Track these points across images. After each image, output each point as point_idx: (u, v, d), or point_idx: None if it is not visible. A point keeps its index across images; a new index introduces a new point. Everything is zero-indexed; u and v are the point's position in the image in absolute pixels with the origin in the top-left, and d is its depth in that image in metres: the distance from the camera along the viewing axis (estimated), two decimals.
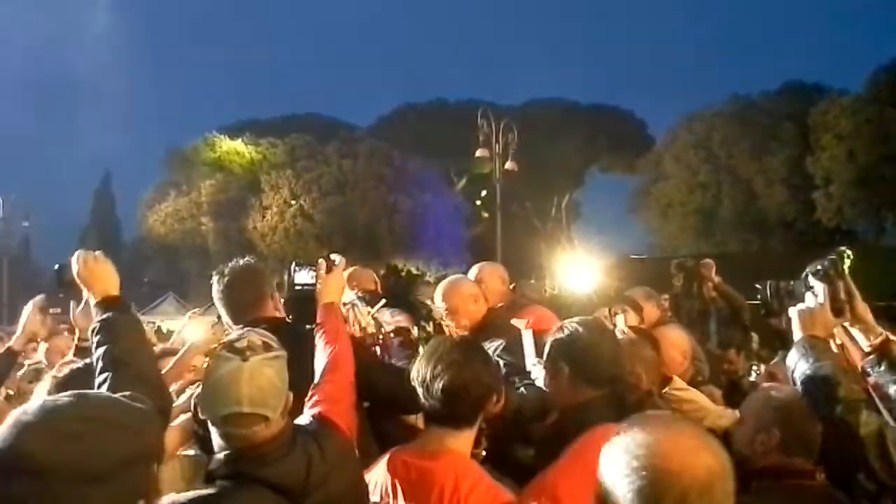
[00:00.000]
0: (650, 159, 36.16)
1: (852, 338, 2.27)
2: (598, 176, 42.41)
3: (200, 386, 2.11)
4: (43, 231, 39.02)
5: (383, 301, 3.15)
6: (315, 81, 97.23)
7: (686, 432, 1.48)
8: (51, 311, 4.85)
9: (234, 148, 34.64)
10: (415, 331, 3.10)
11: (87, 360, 2.89)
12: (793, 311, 2.21)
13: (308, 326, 2.73)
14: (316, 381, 2.41)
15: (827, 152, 28.33)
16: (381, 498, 2.26)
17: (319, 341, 2.55)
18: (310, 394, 2.33)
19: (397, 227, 32.94)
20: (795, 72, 77.21)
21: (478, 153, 16.24)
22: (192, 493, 1.99)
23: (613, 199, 41.06)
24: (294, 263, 3.04)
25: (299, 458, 2.03)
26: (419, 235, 32.95)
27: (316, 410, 2.26)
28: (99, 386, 2.07)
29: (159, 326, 16.46)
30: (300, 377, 2.22)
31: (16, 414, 1.28)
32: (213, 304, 3.05)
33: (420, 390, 2.31)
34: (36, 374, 4.22)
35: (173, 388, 3.12)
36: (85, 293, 2.48)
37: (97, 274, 2.39)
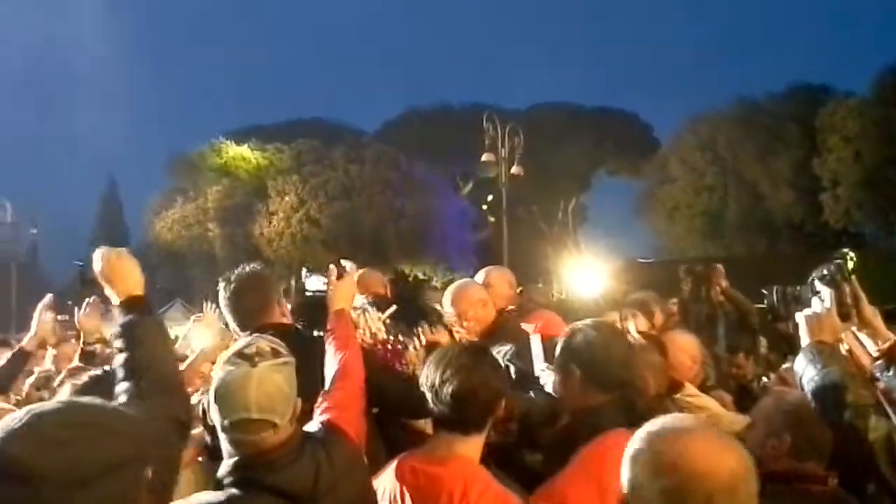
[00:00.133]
0: (656, 162, 36.12)
1: (860, 342, 2.25)
2: (605, 179, 42.37)
3: (209, 392, 2.11)
4: (49, 237, 39.20)
5: (394, 307, 3.14)
6: (321, 86, 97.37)
7: (710, 434, 1.49)
8: (59, 317, 4.87)
9: (241, 153, 34.73)
10: (423, 340, 3.07)
11: (107, 368, 2.91)
12: (800, 317, 2.20)
13: (317, 332, 2.73)
14: (326, 387, 2.41)
15: (834, 154, 28.27)
16: None
17: (329, 347, 2.55)
18: (319, 400, 2.33)
19: (404, 232, 32.97)
20: (801, 73, 77.30)
21: (483, 157, 16.23)
22: (200, 499, 1.99)
23: (620, 202, 41.05)
24: (305, 269, 3.04)
25: (307, 465, 2.03)
26: (426, 240, 32.97)
27: (325, 417, 2.26)
28: (119, 394, 2.03)
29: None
30: (309, 383, 2.22)
31: (5, 420, 1.30)
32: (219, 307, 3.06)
33: (429, 395, 2.30)
34: (45, 382, 4.23)
35: None
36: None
37: (120, 272, 2.27)
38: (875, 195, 27.61)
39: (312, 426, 2.23)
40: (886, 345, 2.15)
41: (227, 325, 3.17)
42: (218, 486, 2.04)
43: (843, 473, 2.08)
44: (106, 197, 48.03)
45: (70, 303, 4.37)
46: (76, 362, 4.10)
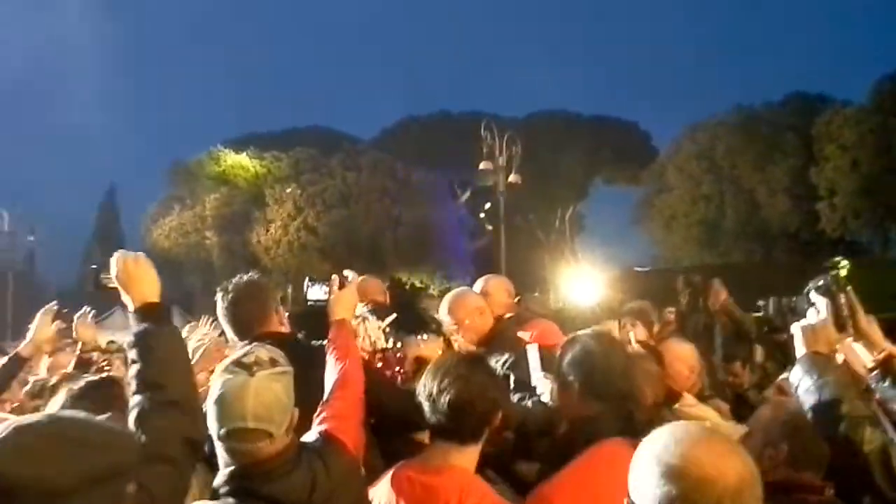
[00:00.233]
0: (654, 170, 36.18)
1: (856, 353, 2.26)
2: (602, 188, 42.41)
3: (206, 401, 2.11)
4: (47, 243, 39.12)
5: (394, 315, 3.13)
6: (319, 94, 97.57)
7: (716, 440, 1.53)
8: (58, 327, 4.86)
9: (239, 162, 34.74)
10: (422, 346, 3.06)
11: (105, 375, 2.90)
12: (795, 328, 2.20)
13: (317, 342, 2.73)
14: (325, 397, 2.40)
15: (830, 163, 28.33)
16: None
17: (330, 358, 2.54)
18: (318, 410, 2.33)
19: (401, 240, 32.96)
20: (798, 82, 77.43)
21: (481, 166, 16.25)
22: None
23: (617, 210, 41.10)
24: (308, 279, 3.04)
25: (304, 476, 2.03)
26: (423, 248, 32.95)
27: (323, 427, 2.26)
28: (132, 408, 1.96)
29: None
30: (307, 393, 2.22)
31: None
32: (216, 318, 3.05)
33: (426, 405, 2.30)
34: (41, 391, 4.22)
35: None
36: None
37: (136, 278, 2.18)
38: (871, 204, 27.68)
39: (310, 436, 2.23)
40: (882, 355, 2.15)
41: (222, 333, 3.17)
42: (214, 495, 2.04)
43: (840, 485, 2.07)
44: (104, 204, 48.02)
45: (66, 310, 4.36)
46: (70, 371, 4.09)
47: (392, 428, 2.67)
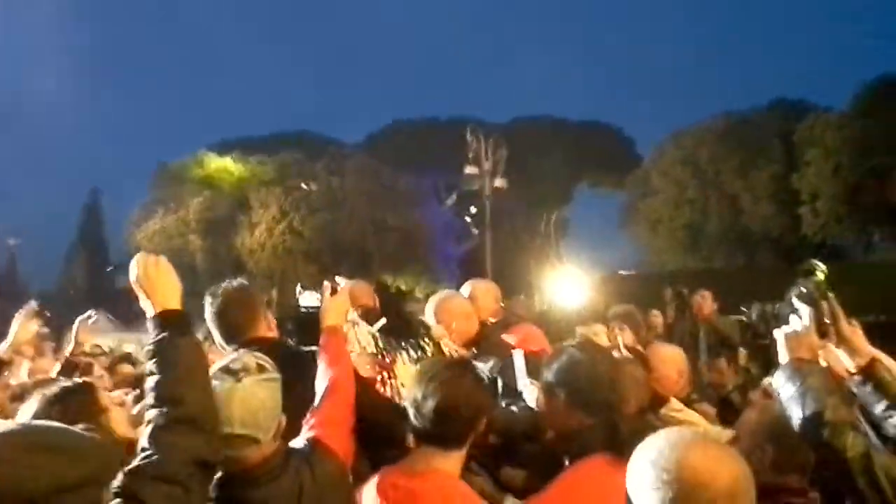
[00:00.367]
0: (638, 175, 36.33)
1: (838, 359, 2.27)
2: (587, 192, 42.59)
3: None
4: (30, 245, 38.84)
5: (383, 320, 3.12)
6: (305, 99, 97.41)
7: (710, 444, 1.57)
8: (38, 329, 4.81)
9: (224, 165, 34.60)
10: (411, 352, 3.06)
11: (80, 380, 2.87)
12: (778, 334, 2.22)
13: (307, 348, 2.72)
14: (315, 403, 2.39)
15: (813, 168, 28.55)
16: None
17: (321, 364, 2.53)
18: (308, 416, 2.32)
19: (387, 244, 32.92)
20: (781, 88, 78.20)
21: (467, 170, 16.27)
22: None
23: (602, 214, 41.29)
24: (300, 286, 3.03)
25: (291, 482, 2.03)
26: (409, 252, 32.94)
27: (312, 434, 2.25)
28: (146, 423, 1.89)
29: (144, 345, 16.38)
30: (295, 400, 2.21)
31: None
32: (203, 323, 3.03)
33: (411, 410, 2.30)
34: (21, 394, 4.17)
35: None
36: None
37: (157, 282, 2.09)
38: (854, 209, 27.89)
39: (298, 442, 2.22)
40: (864, 361, 2.16)
41: (206, 337, 3.15)
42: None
43: (823, 490, 2.09)
44: (87, 207, 47.61)
45: (48, 313, 4.30)
46: (55, 374, 4.04)
47: (376, 438, 2.65)
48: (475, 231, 34.01)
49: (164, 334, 1.98)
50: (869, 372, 2.14)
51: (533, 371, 3.10)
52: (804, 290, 2.28)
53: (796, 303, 2.26)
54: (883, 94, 27.97)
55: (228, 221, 33.38)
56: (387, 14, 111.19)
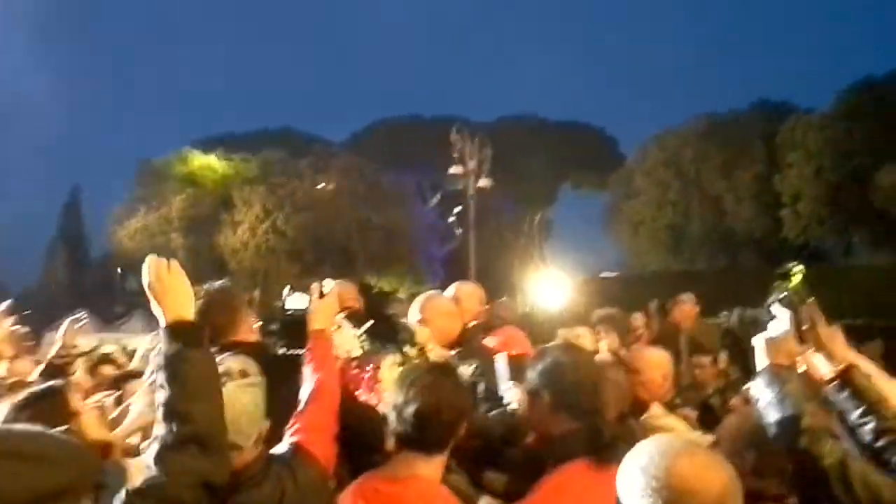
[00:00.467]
0: (621, 176, 36.51)
1: (816, 365, 2.29)
2: (570, 193, 42.74)
3: None
4: (9, 245, 38.43)
5: (370, 322, 3.09)
6: (290, 97, 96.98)
7: (699, 452, 1.61)
8: (16, 328, 4.74)
9: (207, 163, 34.40)
10: (395, 357, 3.03)
11: (53, 383, 2.83)
12: (758, 340, 2.23)
13: (292, 352, 2.70)
14: (299, 408, 2.37)
15: (794, 169, 28.78)
16: None
17: (306, 369, 2.50)
18: (292, 421, 2.30)
19: (371, 244, 32.86)
20: (764, 90, 78.79)
21: (451, 170, 16.26)
22: None
23: (586, 215, 41.43)
24: (288, 288, 2.99)
25: (272, 487, 2.02)
26: (393, 252, 32.90)
27: (294, 439, 2.23)
28: (153, 439, 1.84)
29: (125, 345, 16.23)
30: (277, 404, 2.20)
31: None
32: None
33: (392, 415, 2.30)
34: None
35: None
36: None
37: (171, 289, 2.00)
38: (835, 211, 28.15)
39: (281, 447, 2.21)
40: (841, 367, 2.18)
41: None
42: None
43: (801, 497, 2.10)
44: (68, 204, 47.15)
45: (28, 311, 4.25)
46: (34, 377, 3.99)
47: (357, 444, 2.64)
48: (459, 231, 34.03)
49: (175, 347, 1.91)
50: (846, 378, 2.15)
51: (516, 374, 3.11)
52: (783, 295, 2.29)
53: (776, 308, 2.27)
54: (864, 96, 28.26)
55: (211, 220, 33.17)
56: (372, 13, 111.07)
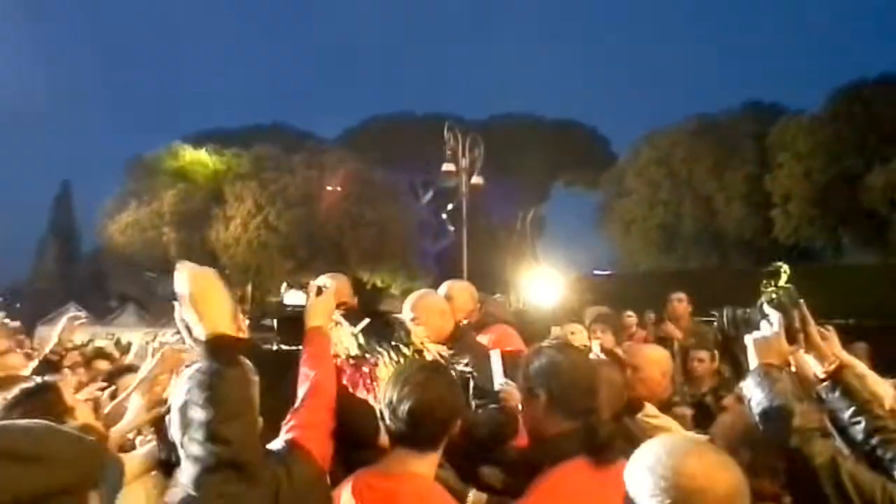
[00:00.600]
0: (613, 175, 36.56)
1: (807, 365, 2.31)
2: (563, 191, 42.78)
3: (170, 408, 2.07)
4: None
5: (367, 320, 3.08)
6: (282, 92, 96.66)
7: (707, 451, 1.62)
8: (7, 322, 4.74)
9: (198, 158, 34.28)
10: (391, 355, 3.03)
11: (46, 379, 2.82)
12: (748, 340, 2.25)
13: (289, 348, 2.69)
14: (295, 405, 2.37)
15: (785, 170, 28.88)
16: None
17: (303, 365, 2.50)
18: (287, 418, 2.30)
19: (363, 240, 32.82)
20: (755, 91, 79.13)
21: (444, 167, 16.28)
22: None
23: (579, 213, 41.51)
24: (285, 284, 2.98)
25: (267, 484, 2.01)
26: (385, 248, 32.88)
27: (290, 436, 2.23)
28: (185, 457, 1.78)
29: (118, 339, 16.23)
30: (272, 401, 2.20)
31: None
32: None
33: (386, 412, 2.31)
34: None
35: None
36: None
37: (209, 299, 1.88)
38: (825, 212, 28.26)
39: (276, 444, 2.20)
40: (832, 367, 2.20)
41: (178, 334, 3.11)
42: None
43: (795, 496, 2.12)
44: (59, 198, 46.96)
45: (19, 305, 4.24)
46: (28, 372, 3.99)
47: (351, 440, 2.65)
48: (451, 228, 34.04)
49: (214, 365, 1.82)
50: (837, 378, 2.18)
51: (510, 371, 3.12)
52: (774, 296, 2.31)
53: (766, 308, 2.29)
54: (855, 98, 28.34)
55: (203, 214, 33.08)
56: (364, 9, 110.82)
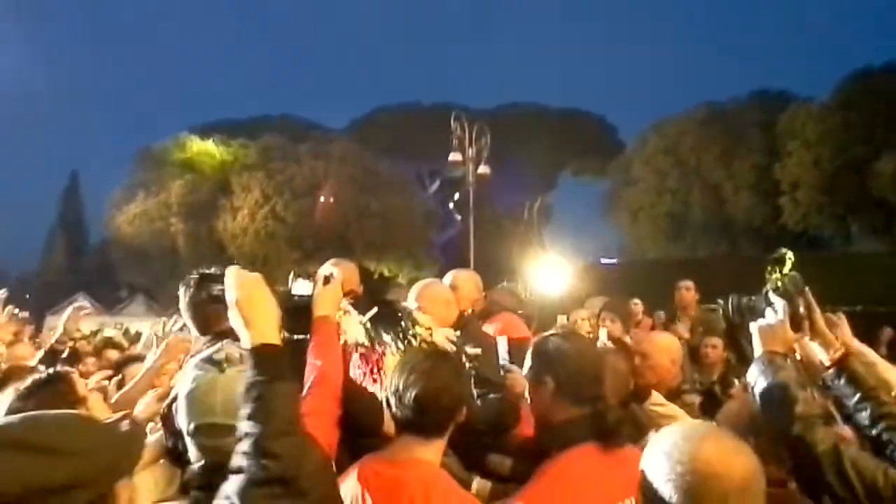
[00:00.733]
0: (621, 163, 36.49)
1: (812, 352, 2.30)
2: (570, 179, 42.69)
3: (178, 397, 2.09)
4: (8, 231, 38.41)
5: (375, 309, 3.08)
6: (289, 83, 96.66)
7: (723, 438, 1.63)
8: (15, 311, 4.76)
9: (205, 148, 34.34)
10: (398, 344, 3.02)
11: (59, 370, 2.84)
12: (753, 327, 2.25)
13: (297, 337, 2.70)
14: (302, 393, 2.38)
15: (793, 158, 28.78)
16: None
17: (310, 354, 2.50)
18: None
19: (369, 230, 32.85)
20: (763, 79, 78.72)
21: (451, 157, 16.23)
22: None
23: (586, 202, 41.46)
24: (293, 273, 2.98)
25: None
26: (392, 237, 32.89)
27: None
28: (240, 470, 1.71)
29: (127, 328, 16.31)
30: None
31: None
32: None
33: (392, 400, 2.31)
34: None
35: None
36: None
37: (258, 307, 1.82)
38: (833, 199, 28.18)
39: None
40: (838, 354, 2.20)
41: (184, 326, 3.13)
42: (184, 490, 2.03)
43: (799, 482, 2.12)
44: (67, 189, 47.12)
45: (28, 296, 4.28)
46: (34, 363, 4.02)
47: (356, 428, 2.65)
48: (458, 217, 34.01)
49: (263, 377, 1.76)
50: (843, 365, 2.17)
51: (516, 358, 3.12)
52: (779, 283, 2.30)
53: (772, 296, 2.28)
54: (862, 86, 28.22)
55: (210, 205, 33.15)
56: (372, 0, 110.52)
